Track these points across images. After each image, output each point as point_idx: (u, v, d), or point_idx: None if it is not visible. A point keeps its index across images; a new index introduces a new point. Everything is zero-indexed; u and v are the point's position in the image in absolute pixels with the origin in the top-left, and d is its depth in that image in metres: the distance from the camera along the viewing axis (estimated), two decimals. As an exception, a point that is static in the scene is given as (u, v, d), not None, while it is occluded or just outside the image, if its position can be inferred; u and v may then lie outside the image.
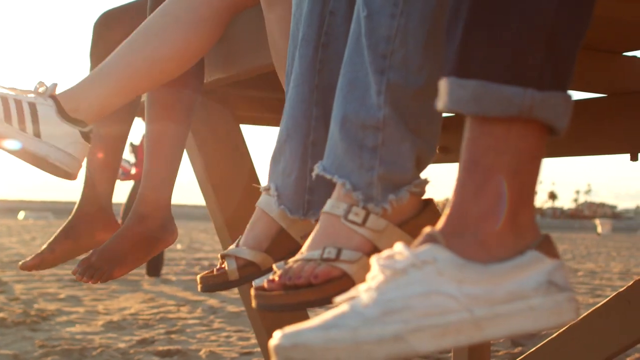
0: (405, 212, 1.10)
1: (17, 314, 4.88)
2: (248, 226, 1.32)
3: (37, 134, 1.53)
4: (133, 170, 7.76)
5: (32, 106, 1.53)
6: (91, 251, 1.83)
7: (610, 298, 2.08)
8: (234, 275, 1.29)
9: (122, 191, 9.58)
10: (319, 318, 0.80)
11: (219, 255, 1.34)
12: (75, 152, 1.58)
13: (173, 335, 4.31)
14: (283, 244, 1.29)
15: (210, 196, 2.14)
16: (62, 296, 6.03)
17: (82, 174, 1.78)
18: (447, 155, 2.24)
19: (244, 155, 2.15)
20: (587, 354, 2.09)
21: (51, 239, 1.93)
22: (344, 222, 1.07)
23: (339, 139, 1.09)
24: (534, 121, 0.82)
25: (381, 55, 1.06)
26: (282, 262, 1.10)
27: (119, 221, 2.27)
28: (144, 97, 1.90)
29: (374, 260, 0.85)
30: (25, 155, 1.53)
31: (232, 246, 1.32)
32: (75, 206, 1.97)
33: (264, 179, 1.55)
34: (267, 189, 1.29)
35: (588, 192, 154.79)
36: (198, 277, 1.35)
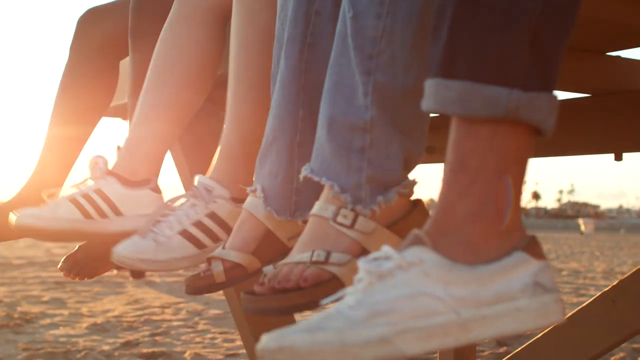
0: (394, 213, 1.10)
1: (0, 317, 4.85)
2: (234, 228, 1.31)
3: (117, 213, 1.57)
4: None
5: (100, 192, 1.56)
6: (77, 247, 1.83)
7: (595, 298, 2.09)
8: (221, 278, 1.28)
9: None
10: (305, 321, 0.80)
11: (206, 258, 1.33)
12: (151, 209, 1.60)
13: (158, 338, 4.29)
14: (270, 246, 1.28)
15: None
16: (45, 299, 5.99)
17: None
18: (432, 155, 2.24)
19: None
20: (572, 353, 2.10)
21: None
22: (333, 224, 1.07)
23: (326, 140, 1.09)
24: (520, 122, 0.82)
25: (367, 56, 1.06)
26: (270, 266, 1.10)
27: None
28: (126, 99, 1.89)
29: (360, 262, 0.84)
30: (121, 237, 1.54)
31: (219, 248, 1.31)
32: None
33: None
34: (254, 190, 1.28)
35: (571, 191, 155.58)
36: (184, 279, 1.35)
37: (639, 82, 2.03)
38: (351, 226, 1.07)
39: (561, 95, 2.92)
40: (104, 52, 2.01)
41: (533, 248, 0.84)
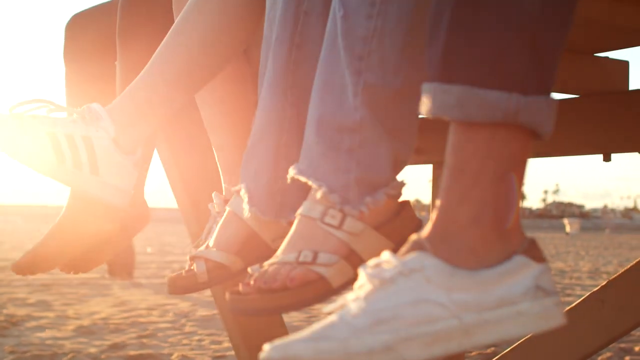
0: (382, 214, 1.09)
1: (-15, 320, 4.82)
2: (218, 228, 1.30)
3: (94, 172, 1.37)
4: None
5: (88, 141, 1.36)
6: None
7: (584, 298, 2.09)
8: (203, 278, 1.27)
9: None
10: (307, 329, 0.79)
11: (187, 257, 1.32)
12: (128, 185, 1.44)
13: (145, 340, 4.27)
14: (254, 247, 1.27)
15: (182, 198, 2.12)
16: (31, 301, 5.96)
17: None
18: (420, 156, 2.23)
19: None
20: (561, 354, 2.10)
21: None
22: (320, 224, 1.06)
23: (314, 141, 1.08)
24: (519, 126, 0.82)
25: (357, 56, 1.05)
26: (257, 266, 1.09)
27: None
28: None
29: (361, 268, 0.84)
30: (81, 194, 1.42)
31: (202, 248, 1.30)
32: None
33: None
34: (238, 190, 1.27)
35: (556, 192, 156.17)
36: (167, 279, 1.34)
37: (627, 83, 2.04)
38: (339, 227, 1.06)
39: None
40: (97, 54, 2.00)
41: (533, 251, 0.84)
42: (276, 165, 1.24)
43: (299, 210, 1.09)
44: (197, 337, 4.40)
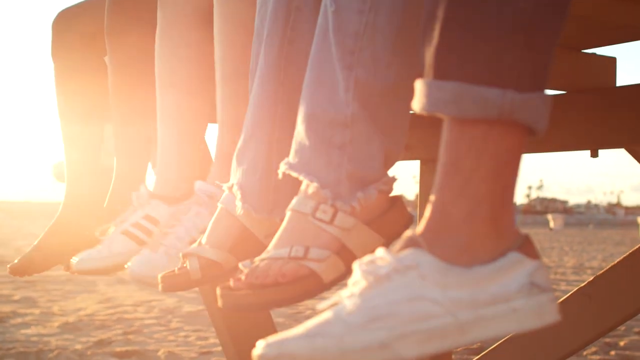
0: (373, 209, 1.09)
1: (-30, 317, 4.79)
2: (210, 225, 1.29)
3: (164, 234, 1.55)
4: None
5: (148, 217, 1.58)
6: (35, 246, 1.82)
7: (571, 293, 2.10)
8: (196, 275, 1.26)
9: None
10: (302, 326, 0.79)
11: (180, 255, 1.31)
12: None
13: (130, 336, 4.26)
14: (246, 244, 1.27)
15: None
16: (16, 297, 5.93)
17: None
18: (407, 152, 2.24)
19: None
20: (548, 349, 2.10)
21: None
22: (312, 219, 1.06)
23: (306, 136, 1.08)
24: (513, 123, 0.81)
25: (349, 52, 1.05)
26: (248, 261, 1.09)
27: None
28: None
29: (356, 265, 0.83)
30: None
31: (194, 245, 1.30)
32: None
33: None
34: (230, 187, 1.26)
35: (540, 187, 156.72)
36: (159, 276, 1.33)
37: (615, 79, 2.04)
38: (330, 222, 1.06)
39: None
40: (85, 50, 2.00)
41: (527, 248, 0.84)
42: (269, 162, 1.24)
43: (290, 205, 1.08)
44: (183, 333, 4.39)
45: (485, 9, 0.80)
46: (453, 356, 2.88)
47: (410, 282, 0.80)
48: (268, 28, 1.22)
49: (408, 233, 0.84)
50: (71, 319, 4.87)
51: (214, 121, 1.62)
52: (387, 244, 1.09)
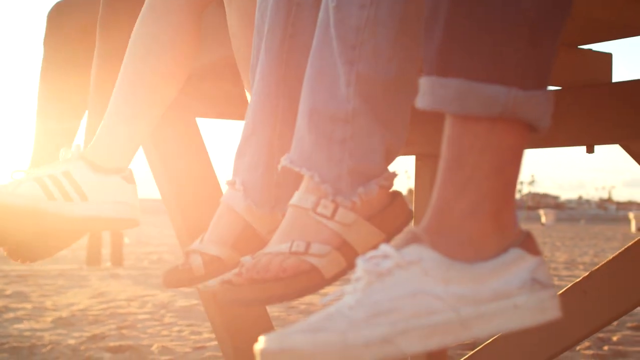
0: (374, 205, 1.09)
1: (-38, 311, 4.78)
2: (212, 221, 1.29)
3: (83, 198, 1.49)
4: None
5: (67, 175, 1.49)
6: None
7: (567, 289, 2.10)
8: (200, 271, 1.26)
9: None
10: (304, 321, 0.79)
11: (183, 252, 1.31)
12: (126, 198, 1.54)
13: (124, 331, 4.26)
14: (249, 239, 1.26)
15: (166, 192, 2.11)
16: (8, 292, 5.92)
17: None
18: (405, 147, 2.24)
19: (200, 148, 2.13)
20: (543, 345, 2.11)
21: None
22: (313, 215, 1.06)
23: (306, 131, 1.08)
24: (516, 120, 0.82)
25: (350, 46, 1.05)
26: (248, 256, 1.09)
27: None
28: None
29: (358, 260, 0.84)
30: (83, 223, 1.50)
31: (197, 241, 1.30)
32: None
33: (220, 173, 1.54)
34: (233, 183, 1.26)
35: (532, 183, 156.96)
36: (162, 272, 1.33)
37: (610, 75, 2.05)
38: (331, 217, 1.06)
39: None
40: (78, 43, 1.99)
41: (529, 244, 0.84)
42: (270, 157, 1.23)
43: (291, 201, 1.08)
44: (176, 328, 4.39)
45: (489, 5, 0.80)
46: (448, 352, 2.89)
47: (413, 277, 0.80)
48: (269, 23, 1.22)
49: (411, 228, 0.85)
50: (64, 313, 4.87)
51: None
52: (387, 240, 1.09)
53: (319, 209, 1.06)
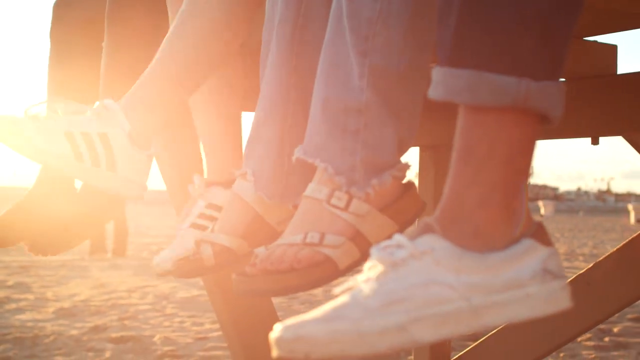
0: (387, 196, 1.10)
1: (-36, 302, 4.79)
2: (223, 211, 1.30)
3: (110, 168, 1.38)
4: None
5: (104, 137, 1.37)
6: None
7: (570, 280, 2.11)
8: (210, 261, 1.27)
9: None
10: (319, 310, 0.80)
11: (193, 242, 1.31)
12: (141, 177, 1.44)
13: (126, 322, 4.27)
14: (259, 230, 1.27)
15: (171, 179, 2.11)
16: (10, 283, 5.93)
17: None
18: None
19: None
20: (547, 336, 2.12)
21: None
22: (327, 206, 1.07)
23: (320, 121, 1.08)
24: (528, 110, 0.82)
25: (364, 37, 1.05)
26: (262, 247, 1.09)
27: None
28: None
29: (372, 250, 0.84)
30: (97, 188, 1.41)
31: (207, 231, 1.30)
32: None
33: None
34: (244, 173, 1.27)
35: (531, 174, 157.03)
36: (172, 264, 1.33)
37: (615, 67, 2.05)
38: (345, 208, 1.07)
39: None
40: (83, 34, 1.99)
41: (540, 235, 0.84)
42: (282, 148, 1.24)
43: (305, 192, 1.09)
44: (178, 319, 4.40)
45: None
46: (452, 343, 2.89)
47: (426, 266, 0.81)
48: (280, 14, 1.22)
49: (424, 219, 0.85)
50: (66, 304, 4.87)
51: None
52: (400, 230, 1.09)
53: (333, 201, 1.07)
